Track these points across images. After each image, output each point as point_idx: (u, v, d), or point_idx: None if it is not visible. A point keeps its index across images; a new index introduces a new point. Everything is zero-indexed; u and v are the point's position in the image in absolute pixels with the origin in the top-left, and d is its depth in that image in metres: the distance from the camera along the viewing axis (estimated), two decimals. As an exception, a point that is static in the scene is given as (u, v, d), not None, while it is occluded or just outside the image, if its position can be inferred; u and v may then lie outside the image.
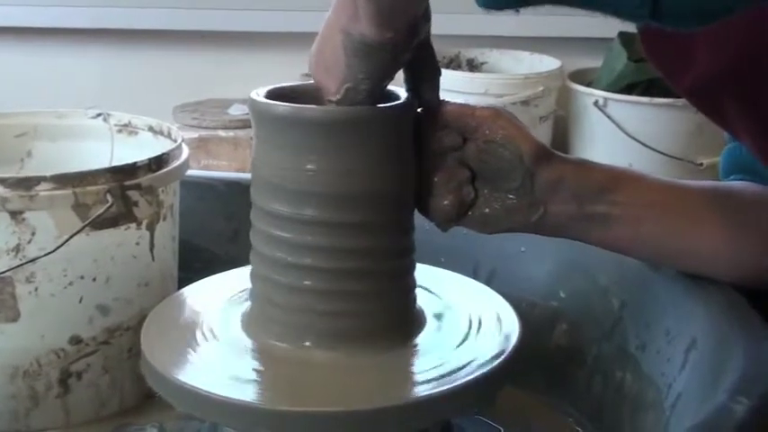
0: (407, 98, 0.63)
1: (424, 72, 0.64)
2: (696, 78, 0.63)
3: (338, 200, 0.61)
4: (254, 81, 0.64)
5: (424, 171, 0.65)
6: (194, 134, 1.93)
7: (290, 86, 0.65)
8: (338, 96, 0.60)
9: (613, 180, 0.66)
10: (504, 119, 0.65)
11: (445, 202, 0.65)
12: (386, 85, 0.61)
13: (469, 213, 0.66)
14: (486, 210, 0.66)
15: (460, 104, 0.66)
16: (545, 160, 0.65)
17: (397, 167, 0.63)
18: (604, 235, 0.67)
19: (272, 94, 0.63)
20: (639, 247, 0.69)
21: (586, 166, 0.67)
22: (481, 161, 0.65)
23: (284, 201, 0.61)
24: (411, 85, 0.64)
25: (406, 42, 0.58)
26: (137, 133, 0.87)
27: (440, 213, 0.66)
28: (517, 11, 0.50)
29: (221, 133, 1.97)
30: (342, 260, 0.62)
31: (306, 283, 0.62)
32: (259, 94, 0.62)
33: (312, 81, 0.64)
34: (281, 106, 0.61)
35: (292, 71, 2.03)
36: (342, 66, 0.58)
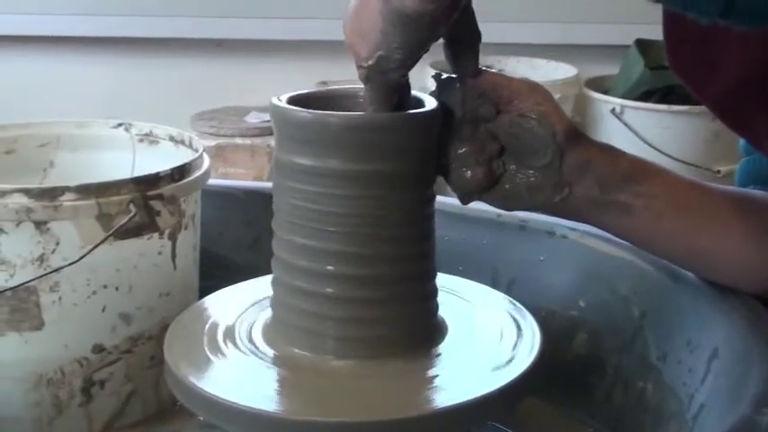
0: (432, 107, 0.63)
1: (464, 38, 0.62)
2: (724, 86, 0.62)
3: (360, 197, 0.61)
4: (271, 89, 0.64)
5: (454, 140, 0.64)
6: (212, 142, 1.94)
7: (311, 93, 0.66)
8: (370, 63, 0.58)
9: (638, 170, 0.66)
10: (541, 94, 0.64)
11: (473, 174, 0.65)
12: (420, 57, 0.58)
13: (493, 188, 0.65)
14: (509, 185, 0.65)
15: (498, 74, 0.65)
16: (575, 141, 0.64)
17: (419, 171, 0.63)
18: (622, 224, 0.66)
19: (293, 101, 0.63)
20: (656, 242, 0.68)
21: (614, 152, 0.66)
22: (512, 135, 0.64)
23: (306, 207, 0.62)
24: (450, 51, 0.63)
25: (445, 14, 0.56)
26: (158, 143, 0.88)
27: (467, 185, 0.65)
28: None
29: (239, 141, 1.98)
30: (363, 267, 0.62)
31: (327, 290, 0.62)
32: (281, 100, 0.63)
33: (331, 87, 0.64)
34: (304, 112, 0.61)
35: (309, 78, 2.04)
36: (377, 32, 0.56)
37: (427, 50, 0.58)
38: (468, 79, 0.64)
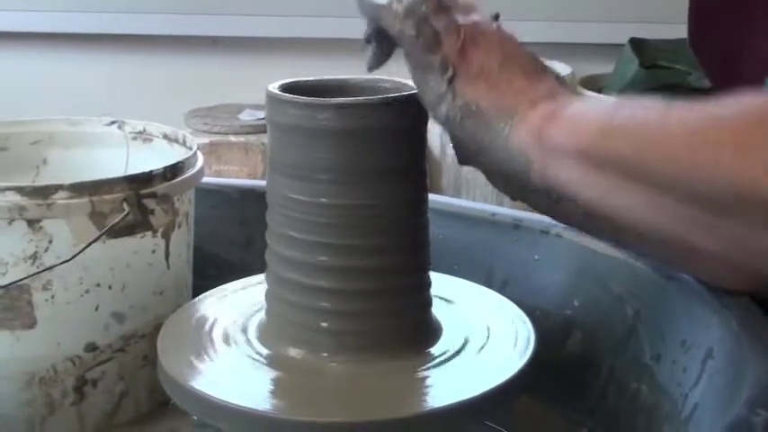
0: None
1: None
2: (752, 63, 0.62)
3: (352, 188, 0.61)
4: (266, 86, 0.64)
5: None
6: (205, 139, 1.94)
7: (305, 81, 0.66)
8: None
9: None
10: None
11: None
12: None
13: None
14: None
15: None
16: None
17: (410, 159, 0.63)
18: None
19: (287, 88, 0.63)
20: None
21: None
22: None
23: (296, 198, 0.62)
24: None
25: None
26: (151, 141, 0.88)
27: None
28: None
29: (232, 138, 1.98)
30: (356, 258, 0.62)
31: (320, 282, 0.62)
32: (274, 88, 0.63)
33: (324, 77, 0.64)
34: (297, 99, 0.61)
35: (303, 76, 2.04)
36: None
37: None
38: None
